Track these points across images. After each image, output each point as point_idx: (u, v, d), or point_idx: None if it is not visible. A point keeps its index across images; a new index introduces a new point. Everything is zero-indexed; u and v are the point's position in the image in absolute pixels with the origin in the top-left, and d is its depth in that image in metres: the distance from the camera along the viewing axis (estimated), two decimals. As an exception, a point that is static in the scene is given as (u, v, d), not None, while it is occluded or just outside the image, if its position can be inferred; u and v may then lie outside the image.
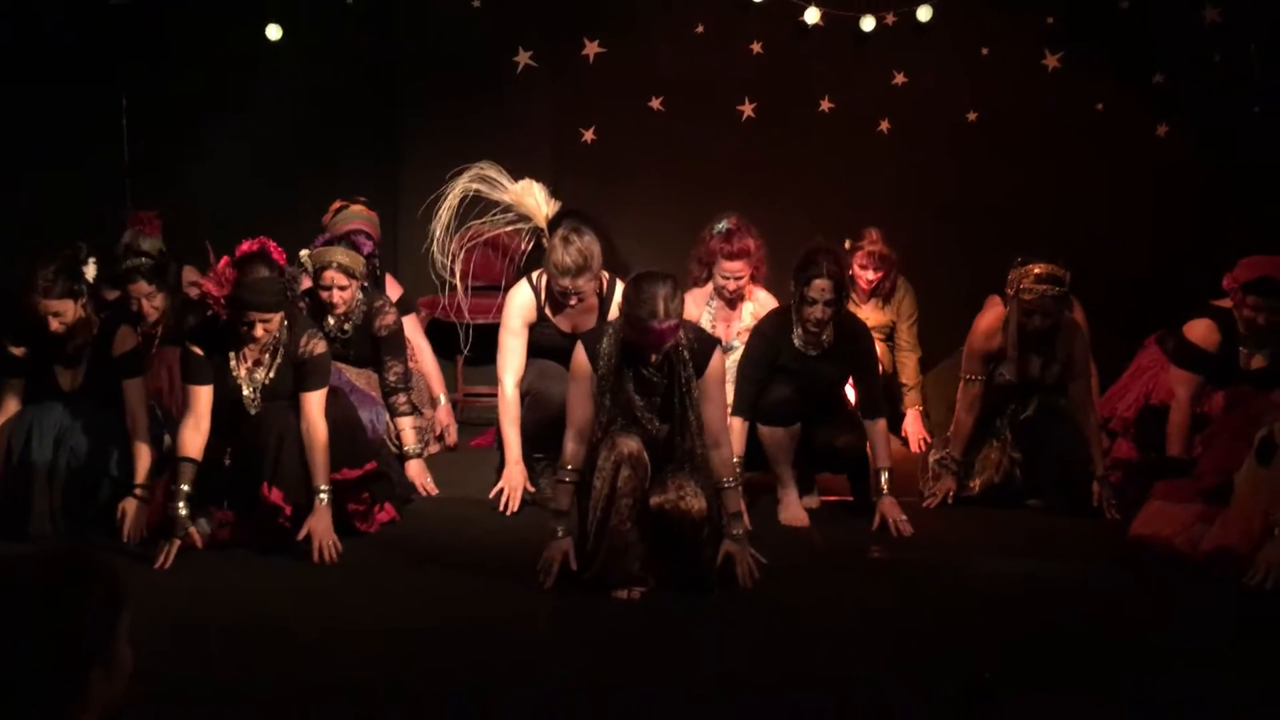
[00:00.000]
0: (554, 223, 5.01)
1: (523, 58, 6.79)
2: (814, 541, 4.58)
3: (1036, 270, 4.79)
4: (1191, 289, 5.34)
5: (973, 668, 2.44)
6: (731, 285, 5.39)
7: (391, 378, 5.29)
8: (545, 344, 4.99)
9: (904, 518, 4.63)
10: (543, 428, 4.85)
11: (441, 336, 6.66)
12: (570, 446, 3.96)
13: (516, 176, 5.63)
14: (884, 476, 4.68)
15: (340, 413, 4.62)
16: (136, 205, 6.10)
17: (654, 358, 3.86)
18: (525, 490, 4.96)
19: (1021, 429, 4.98)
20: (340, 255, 5.20)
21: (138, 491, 4.47)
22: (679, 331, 3.86)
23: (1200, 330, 4.97)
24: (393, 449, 5.07)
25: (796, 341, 4.77)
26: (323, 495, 4.33)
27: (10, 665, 1.67)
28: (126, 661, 1.76)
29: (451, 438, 5.82)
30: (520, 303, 5.00)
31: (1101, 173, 6.64)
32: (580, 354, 3.97)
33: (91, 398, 4.62)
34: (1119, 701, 3.14)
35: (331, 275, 5.18)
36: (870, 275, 6.05)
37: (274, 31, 6.73)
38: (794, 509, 4.74)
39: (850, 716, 3.08)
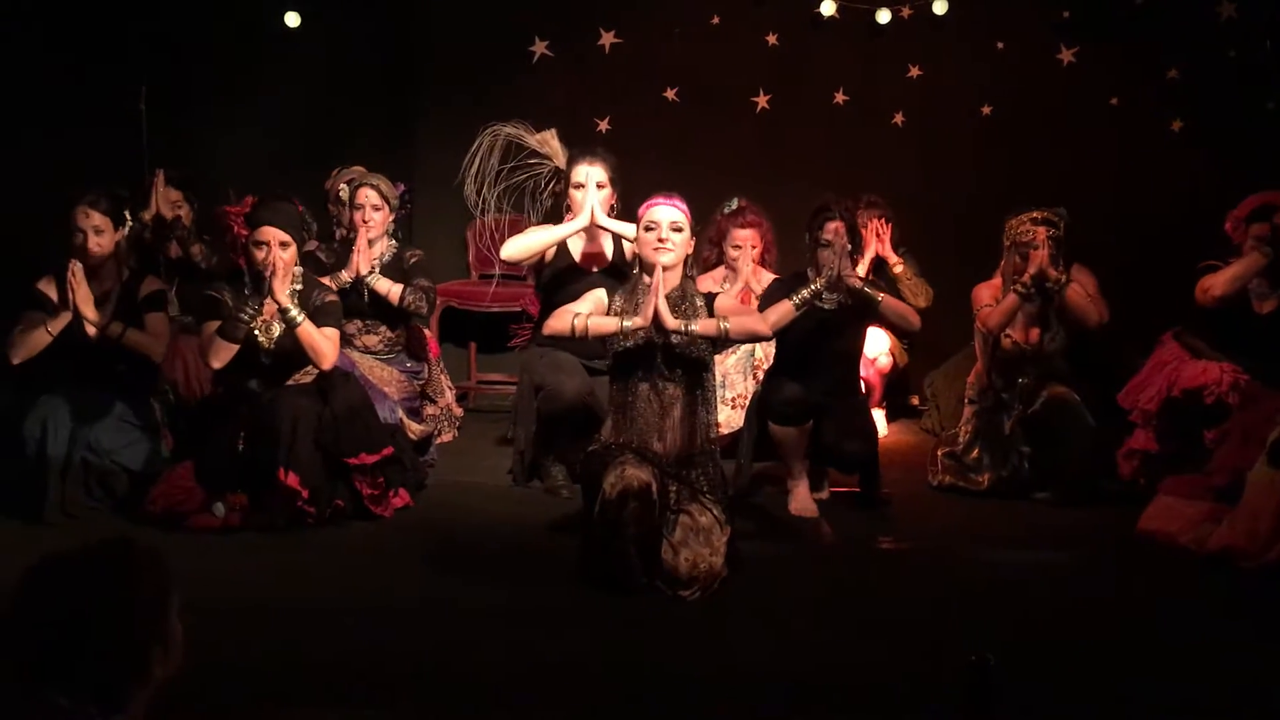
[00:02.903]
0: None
1: (539, 47, 6.81)
2: (823, 532, 4.61)
3: (1034, 214, 4.93)
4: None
5: (974, 654, 2.46)
6: (754, 255, 5.48)
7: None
8: (566, 286, 4.90)
9: (851, 272, 4.64)
10: (555, 421, 4.88)
11: (455, 325, 6.71)
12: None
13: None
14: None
15: (356, 399, 4.66)
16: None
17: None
18: (537, 480, 5.03)
19: (1031, 424, 5.00)
20: (374, 177, 5.33)
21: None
22: (687, 211, 4.03)
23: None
24: (409, 438, 5.12)
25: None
26: (298, 318, 4.43)
27: (78, 656, 1.74)
28: (179, 637, 1.85)
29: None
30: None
31: (1116, 168, 6.64)
32: (601, 291, 4.13)
33: (112, 349, 4.62)
34: (1120, 689, 3.17)
35: (366, 193, 5.27)
36: (880, 226, 6.06)
37: (292, 19, 6.76)
38: (804, 500, 4.77)
39: (856, 702, 3.11)
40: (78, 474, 4.55)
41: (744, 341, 4.18)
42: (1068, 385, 4.99)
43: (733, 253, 5.51)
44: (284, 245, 4.44)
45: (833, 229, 4.68)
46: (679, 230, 4.02)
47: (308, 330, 4.47)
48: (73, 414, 4.59)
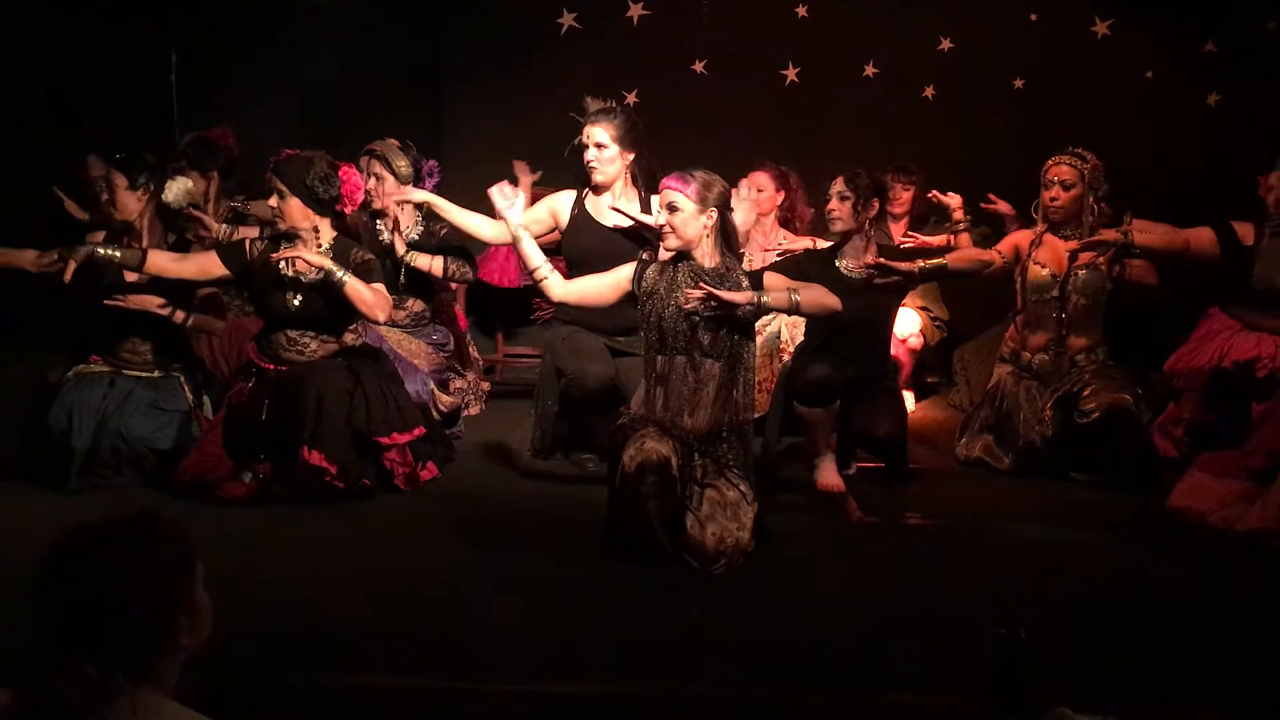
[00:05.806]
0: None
1: (567, 19, 6.78)
2: (850, 508, 4.59)
3: (1066, 151, 5.06)
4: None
5: (1004, 627, 2.45)
6: (759, 198, 5.49)
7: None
8: (587, 246, 4.85)
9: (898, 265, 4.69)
10: (580, 408, 4.85)
11: (482, 298, 6.71)
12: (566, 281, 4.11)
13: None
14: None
15: (387, 378, 4.67)
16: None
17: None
18: (560, 454, 5.03)
19: (1080, 433, 4.82)
20: (380, 146, 5.30)
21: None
22: (687, 189, 3.89)
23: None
24: (435, 415, 5.14)
25: (841, 266, 4.76)
26: (343, 278, 4.37)
27: (103, 626, 1.77)
28: (206, 608, 1.88)
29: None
30: (555, 201, 4.98)
31: (1151, 142, 6.56)
32: (629, 267, 4.07)
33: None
34: (1150, 665, 3.16)
35: (366, 161, 5.25)
36: (901, 190, 6.03)
37: (321, -11, 6.77)
38: (830, 475, 4.73)
39: (884, 676, 3.11)
40: (105, 458, 4.56)
41: (815, 315, 4.13)
42: (1114, 382, 4.84)
43: (751, 197, 5.55)
44: (280, 194, 4.43)
45: (835, 182, 4.71)
46: (675, 210, 3.91)
47: (355, 286, 4.39)
48: (100, 403, 4.60)
